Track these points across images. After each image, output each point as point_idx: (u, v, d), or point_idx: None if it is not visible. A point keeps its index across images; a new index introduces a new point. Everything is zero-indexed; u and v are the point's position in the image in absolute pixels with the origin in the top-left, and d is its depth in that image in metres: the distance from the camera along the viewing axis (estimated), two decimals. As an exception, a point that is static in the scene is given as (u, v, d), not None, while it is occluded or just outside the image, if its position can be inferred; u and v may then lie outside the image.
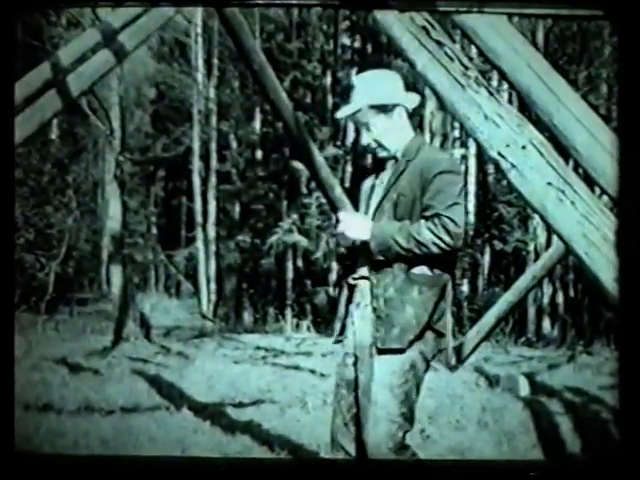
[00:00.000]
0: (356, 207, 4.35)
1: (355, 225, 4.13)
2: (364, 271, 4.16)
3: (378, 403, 4.02)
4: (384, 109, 4.14)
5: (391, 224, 4.03)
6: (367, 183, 4.31)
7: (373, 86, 4.15)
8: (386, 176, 4.19)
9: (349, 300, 4.25)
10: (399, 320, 4.01)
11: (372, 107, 4.13)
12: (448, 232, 3.92)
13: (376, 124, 4.15)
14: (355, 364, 4.19)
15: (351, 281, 4.23)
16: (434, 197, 3.99)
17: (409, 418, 4.06)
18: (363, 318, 4.16)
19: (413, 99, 4.24)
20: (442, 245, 3.94)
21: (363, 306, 4.16)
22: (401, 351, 4.02)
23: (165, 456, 7.84)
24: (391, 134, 4.16)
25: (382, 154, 4.21)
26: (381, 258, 4.04)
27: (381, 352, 4.04)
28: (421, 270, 4.04)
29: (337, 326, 4.30)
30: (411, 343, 4.02)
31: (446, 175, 4.02)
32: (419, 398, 4.17)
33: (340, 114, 4.27)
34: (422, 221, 3.98)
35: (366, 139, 4.19)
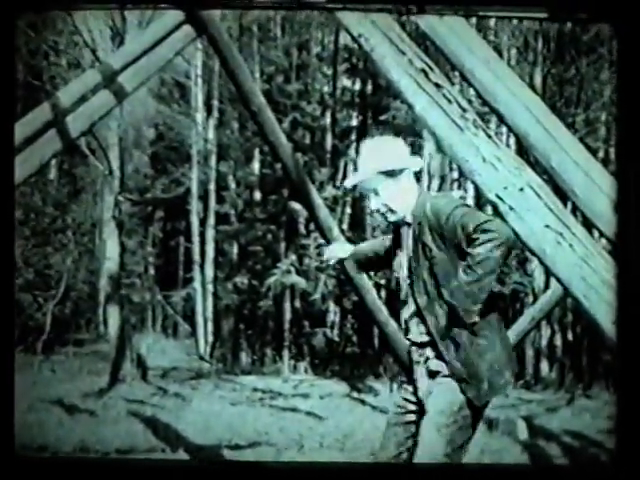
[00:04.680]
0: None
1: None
2: (423, 336, 4.18)
3: (425, 441, 4.05)
4: (392, 174, 4.19)
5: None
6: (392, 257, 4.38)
7: (380, 152, 4.21)
8: (404, 243, 4.25)
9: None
10: (483, 374, 4.06)
11: (380, 173, 4.18)
12: (490, 231, 3.89)
13: (384, 189, 4.19)
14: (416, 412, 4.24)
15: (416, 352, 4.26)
16: (462, 229, 3.97)
17: (454, 460, 4.07)
18: (422, 375, 4.21)
19: (418, 162, 4.28)
20: (497, 245, 3.89)
21: (422, 364, 4.21)
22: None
23: (164, 459, 7.78)
24: (400, 197, 4.20)
25: (392, 218, 4.26)
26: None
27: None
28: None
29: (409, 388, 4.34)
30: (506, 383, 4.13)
31: (456, 210, 4.03)
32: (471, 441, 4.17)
33: (349, 183, 4.36)
34: (470, 250, 3.95)
35: (375, 204, 4.24)
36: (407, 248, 4.22)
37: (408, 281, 4.19)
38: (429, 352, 4.15)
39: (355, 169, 4.32)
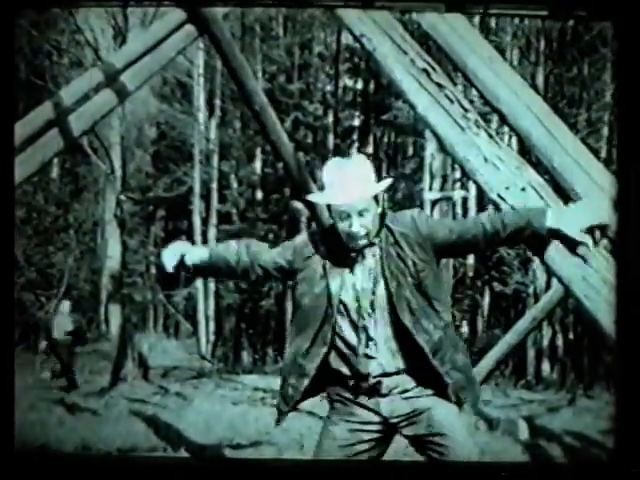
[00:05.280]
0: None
1: None
2: (397, 362, 4.00)
3: (460, 442, 4.13)
4: (377, 197, 4.02)
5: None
6: (335, 279, 4.05)
7: (371, 174, 4.06)
8: (370, 264, 4.02)
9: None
10: (474, 376, 4.16)
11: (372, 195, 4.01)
12: None
13: (368, 211, 3.96)
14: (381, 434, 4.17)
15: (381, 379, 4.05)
16: (439, 222, 4.20)
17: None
18: (390, 402, 4.07)
19: (388, 183, 4.08)
20: None
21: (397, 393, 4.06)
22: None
23: (165, 456, 7.77)
24: (375, 220, 4.00)
25: (363, 242, 4.00)
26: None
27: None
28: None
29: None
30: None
31: (422, 213, 4.13)
32: None
33: (344, 200, 4.01)
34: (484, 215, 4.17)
35: (356, 227, 3.96)
36: (369, 272, 4.00)
37: (387, 306, 3.96)
38: (401, 380, 4.01)
39: (322, 187, 4.13)
